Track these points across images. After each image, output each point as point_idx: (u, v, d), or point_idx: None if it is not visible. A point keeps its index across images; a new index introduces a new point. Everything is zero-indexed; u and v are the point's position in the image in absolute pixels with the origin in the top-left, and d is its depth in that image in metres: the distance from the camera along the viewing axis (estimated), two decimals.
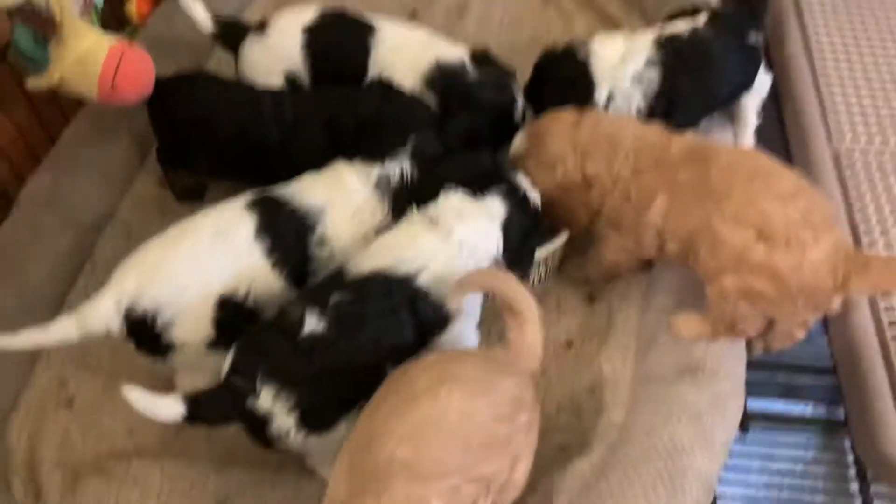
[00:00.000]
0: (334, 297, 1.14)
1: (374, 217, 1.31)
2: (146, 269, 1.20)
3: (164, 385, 1.35)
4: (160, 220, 1.30)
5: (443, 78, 1.50)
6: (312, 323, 1.11)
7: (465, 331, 1.26)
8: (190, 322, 1.20)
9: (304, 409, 1.09)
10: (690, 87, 1.49)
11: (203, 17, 1.56)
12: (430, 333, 1.20)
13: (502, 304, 1.14)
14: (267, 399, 1.08)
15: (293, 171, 1.34)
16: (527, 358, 1.13)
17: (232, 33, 1.60)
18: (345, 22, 1.59)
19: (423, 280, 1.17)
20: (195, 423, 1.09)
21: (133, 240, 1.29)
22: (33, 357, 1.43)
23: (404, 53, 1.54)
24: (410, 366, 1.08)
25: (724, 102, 1.58)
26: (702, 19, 1.51)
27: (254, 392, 1.08)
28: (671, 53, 1.47)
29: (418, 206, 1.26)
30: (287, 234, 1.25)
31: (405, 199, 1.29)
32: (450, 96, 1.49)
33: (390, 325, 1.15)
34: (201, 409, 1.08)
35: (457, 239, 1.20)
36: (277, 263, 1.24)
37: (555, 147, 1.36)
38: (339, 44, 1.57)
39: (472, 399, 1.02)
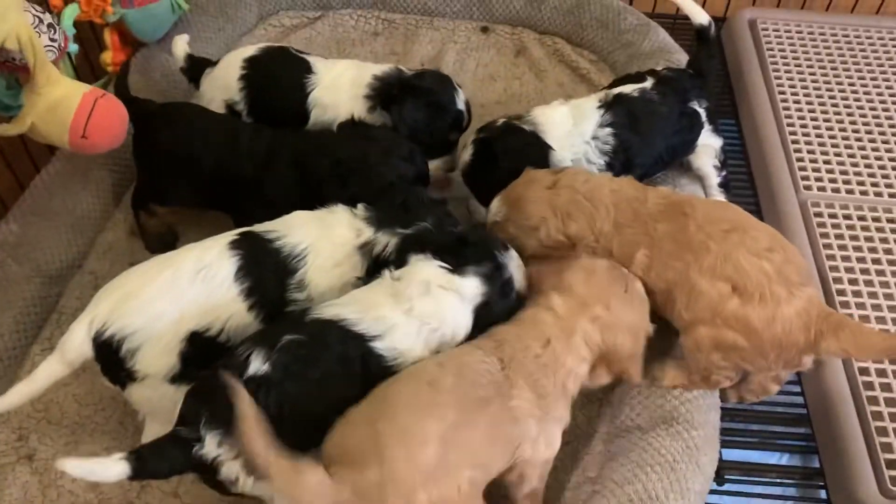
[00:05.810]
0: (285, 339, 1.10)
1: (354, 270, 1.28)
2: (121, 295, 1.18)
3: (131, 440, 1.32)
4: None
5: (380, 81, 1.59)
6: (257, 364, 1.08)
7: None
8: (155, 351, 1.17)
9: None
10: (640, 144, 1.55)
11: (180, 54, 1.67)
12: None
13: None
14: (211, 446, 1.04)
15: (270, 208, 1.34)
16: None
17: (196, 67, 1.68)
18: (284, 55, 1.65)
19: (379, 345, 1.14)
20: (145, 479, 1.04)
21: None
22: None
23: (343, 81, 1.60)
24: None
25: (671, 160, 1.64)
26: (649, 83, 1.59)
27: (199, 440, 1.04)
28: (622, 112, 1.54)
29: (396, 264, 1.23)
30: (267, 277, 1.24)
31: (384, 264, 1.26)
32: (389, 92, 1.56)
33: (340, 373, 1.11)
34: (148, 464, 1.02)
35: (417, 315, 1.16)
36: (254, 305, 1.22)
37: (534, 210, 1.37)
38: (276, 75, 1.62)
39: None
